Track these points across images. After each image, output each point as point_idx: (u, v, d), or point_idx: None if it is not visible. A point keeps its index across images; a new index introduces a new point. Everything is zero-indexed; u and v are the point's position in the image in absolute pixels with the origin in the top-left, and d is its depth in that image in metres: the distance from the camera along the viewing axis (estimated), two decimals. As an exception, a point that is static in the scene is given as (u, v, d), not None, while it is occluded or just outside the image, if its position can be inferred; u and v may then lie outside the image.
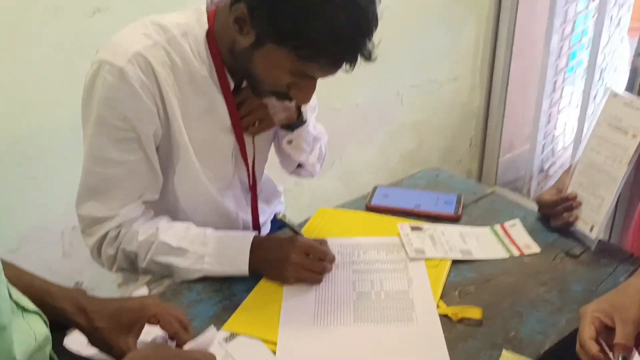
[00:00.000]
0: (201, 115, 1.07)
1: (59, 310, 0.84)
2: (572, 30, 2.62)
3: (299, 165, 1.33)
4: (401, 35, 2.30)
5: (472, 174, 2.85)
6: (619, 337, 0.79)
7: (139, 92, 0.98)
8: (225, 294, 1.03)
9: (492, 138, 2.72)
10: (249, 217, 1.25)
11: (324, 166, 2.29)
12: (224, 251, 1.05)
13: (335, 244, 1.12)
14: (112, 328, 0.84)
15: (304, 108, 1.21)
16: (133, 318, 0.85)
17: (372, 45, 0.94)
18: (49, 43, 1.53)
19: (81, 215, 1.07)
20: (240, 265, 1.04)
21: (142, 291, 1.09)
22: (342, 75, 2.24)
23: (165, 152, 1.09)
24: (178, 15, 1.05)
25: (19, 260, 1.71)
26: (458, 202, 1.24)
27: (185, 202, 1.15)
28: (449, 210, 1.21)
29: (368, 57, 0.95)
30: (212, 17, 1.03)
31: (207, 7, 1.05)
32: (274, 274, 1.03)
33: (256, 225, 1.26)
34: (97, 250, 1.09)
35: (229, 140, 1.13)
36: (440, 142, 2.69)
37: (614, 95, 1.10)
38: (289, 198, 2.27)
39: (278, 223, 1.43)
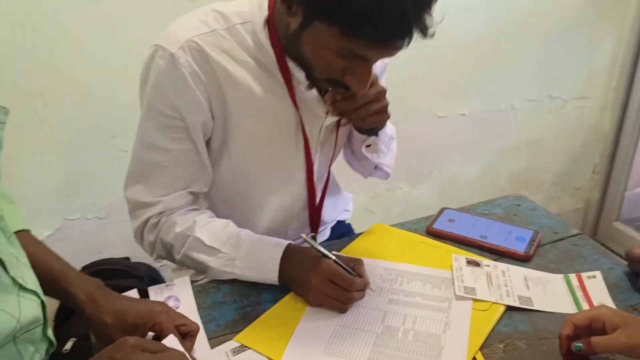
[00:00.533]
0: (263, 106, 1.02)
1: (70, 295, 0.84)
2: None
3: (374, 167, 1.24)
4: (522, 41, 2.10)
5: (592, 204, 2.55)
6: (600, 338, 0.77)
7: (189, 81, 0.95)
8: (250, 300, 0.97)
9: (620, 167, 2.42)
10: (306, 218, 1.18)
11: (420, 176, 2.19)
12: (255, 257, 0.99)
13: (378, 267, 1.02)
14: (117, 326, 0.82)
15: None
16: (138, 322, 0.83)
17: (429, 19, 0.80)
18: (144, 24, 1.56)
19: (127, 198, 1.07)
20: (268, 273, 0.97)
21: (184, 282, 1.06)
22: (448, 81, 2.10)
23: (217, 144, 1.05)
24: (242, 2, 1.01)
25: (106, 228, 1.82)
26: (533, 239, 1.08)
27: (233, 199, 1.11)
28: (519, 248, 1.06)
29: (424, 33, 0.81)
30: (273, 3, 0.97)
31: None
32: (297, 292, 0.96)
33: (315, 227, 1.19)
34: (139, 235, 1.09)
35: (293, 131, 1.06)
36: (558, 165, 2.44)
37: None
38: (380, 204, 2.19)
39: (340, 230, 1.36)
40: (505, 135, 2.27)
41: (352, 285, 0.92)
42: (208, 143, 1.05)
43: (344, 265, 0.94)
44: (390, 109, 2.03)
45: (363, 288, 0.94)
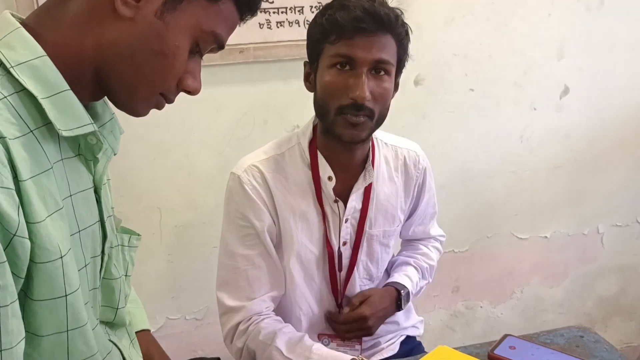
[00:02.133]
0: (301, 217, 1.23)
1: None
2: None
3: None
4: (606, 166, 2.15)
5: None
6: None
7: (250, 194, 1.19)
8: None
9: None
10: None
11: (501, 295, 2.22)
12: None
13: (437, 387, 1.10)
14: None
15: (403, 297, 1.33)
16: None
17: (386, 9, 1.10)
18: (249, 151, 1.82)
19: (218, 301, 1.26)
20: None
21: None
22: (529, 204, 2.16)
23: (279, 248, 1.25)
24: (298, 130, 1.27)
25: (202, 328, 2.02)
26: (590, 373, 1.12)
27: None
28: (575, 380, 1.10)
29: (385, 19, 1.08)
30: (316, 124, 1.24)
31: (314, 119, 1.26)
32: None
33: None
34: (230, 340, 1.26)
35: (318, 244, 1.26)
36: (652, 292, 2.37)
37: None
38: (461, 322, 2.23)
39: (409, 345, 1.44)
40: (590, 259, 2.26)
41: None
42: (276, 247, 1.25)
43: None
44: (470, 228, 2.14)
45: None
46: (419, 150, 1.36)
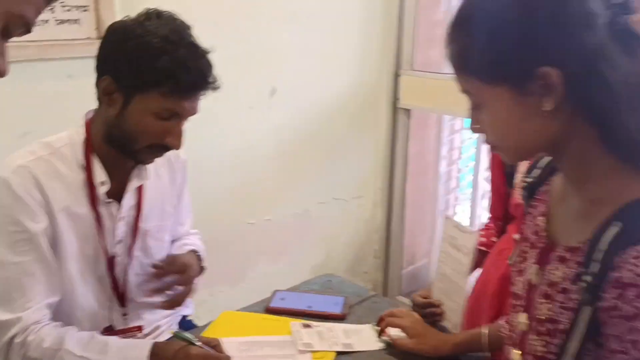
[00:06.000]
0: (75, 218, 1.24)
1: None
2: (460, 155, 3.01)
3: None
4: (309, 155, 2.58)
5: (378, 285, 3.05)
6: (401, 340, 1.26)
7: (22, 197, 1.16)
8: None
9: (394, 251, 2.97)
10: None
11: (237, 280, 2.46)
12: (124, 356, 1.15)
13: (235, 342, 1.26)
14: None
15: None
16: None
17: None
18: None
19: None
20: None
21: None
22: (251, 187, 2.43)
23: (55, 250, 1.22)
24: (66, 132, 1.27)
25: None
26: (345, 303, 1.43)
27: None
28: (336, 310, 1.40)
29: (215, 85, 1.20)
30: (89, 125, 1.26)
31: (85, 120, 1.27)
32: None
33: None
34: (3, 355, 1.17)
35: (94, 244, 1.27)
36: (348, 254, 2.91)
37: (447, 218, 1.43)
38: (205, 308, 2.38)
39: (186, 325, 1.55)
40: (303, 234, 2.66)
41: None
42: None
43: (208, 348, 1.17)
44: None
45: None
46: None
